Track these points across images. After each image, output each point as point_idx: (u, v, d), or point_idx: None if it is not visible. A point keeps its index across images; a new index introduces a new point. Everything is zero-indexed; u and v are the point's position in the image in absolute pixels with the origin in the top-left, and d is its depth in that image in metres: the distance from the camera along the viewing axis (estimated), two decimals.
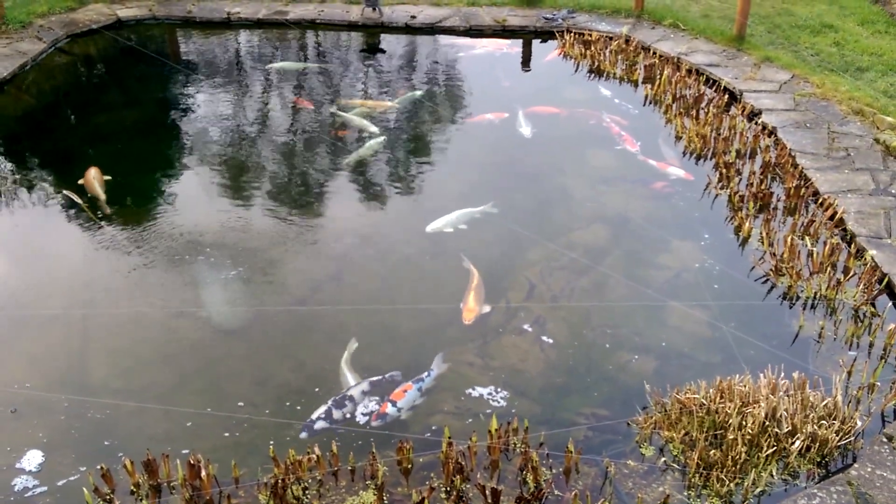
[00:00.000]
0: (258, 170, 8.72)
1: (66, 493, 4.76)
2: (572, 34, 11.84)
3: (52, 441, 5.15)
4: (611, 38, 11.64)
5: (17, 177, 8.21)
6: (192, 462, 4.75)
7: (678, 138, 9.19)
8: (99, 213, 7.58)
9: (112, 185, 8.01)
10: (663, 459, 5.04)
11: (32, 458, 5.01)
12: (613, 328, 6.31)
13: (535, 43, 12.15)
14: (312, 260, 7.18)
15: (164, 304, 6.52)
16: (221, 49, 12.10)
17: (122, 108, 10.21)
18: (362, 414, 5.41)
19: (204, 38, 12.41)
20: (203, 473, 4.74)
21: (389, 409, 5.42)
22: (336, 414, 5.37)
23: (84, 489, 4.64)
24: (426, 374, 5.72)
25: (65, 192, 7.62)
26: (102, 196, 7.86)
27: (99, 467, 4.77)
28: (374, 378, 5.71)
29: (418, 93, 10.51)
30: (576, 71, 11.15)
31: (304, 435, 5.19)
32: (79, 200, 7.55)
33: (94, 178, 7.92)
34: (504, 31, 12.26)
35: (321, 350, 6.13)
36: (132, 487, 4.78)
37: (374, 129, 9.28)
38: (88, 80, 11.01)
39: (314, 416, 5.33)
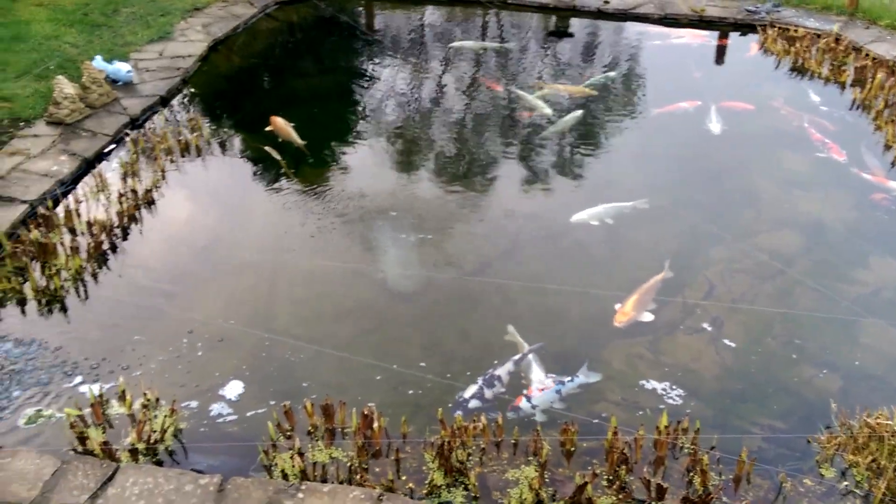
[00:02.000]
0: (440, 144, 8.90)
1: (252, 423, 5.11)
2: (776, 29, 11.21)
3: (248, 374, 5.53)
4: (818, 36, 10.92)
5: (222, 131, 8.82)
6: (365, 413, 4.97)
7: (888, 147, 8.50)
8: (293, 169, 8.01)
9: (307, 147, 8.44)
10: (845, 483, 4.73)
11: (233, 388, 5.41)
12: (799, 339, 5.97)
13: (734, 36, 11.59)
14: (484, 235, 7.26)
15: (344, 260, 6.82)
16: (411, 24, 12.42)
17: (316, 75, 10.71)
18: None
19: (400, 11, 12.78)
20: (375, 425, 4.94)
21: (523, 403, 5.33)
22: (487, 393, 5.39)
23: (269, 423, 4.96)
24: (570, 378, 5.52)
25: (266, 148, 8.11)
26: (299, 140, 8.36)
27: (282, 405, 5.09)
28: (517, 356, 5.69)
29: (612, 73, 10.36)
30: (776, 67, 10.55)
31: (458, 413, 5.16)
32: (278, 157, 8.02)
33: (285, 125, 8.45)
34: (701, 22, 11.79)
35: (488, 324, 6.20)
36: (310, 428, 5.06)
37: (547, 110, 9.23)
38: (290, 46, 11.63)
39: (467, 396, 5.36)
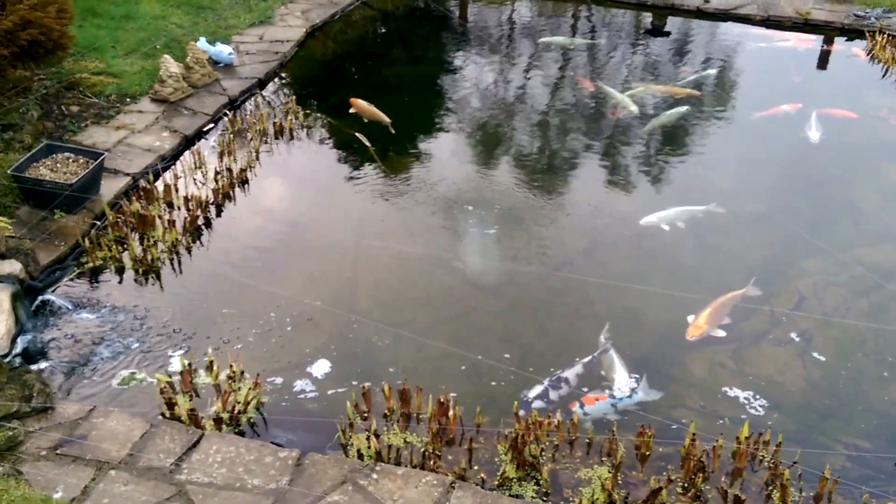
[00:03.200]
0: (526, 138, 8.89)
1: (331, 402, 5.24)
2: (885, 35, 10.72)
3: (330, 353, 5.65)
4: None
5: (314, 116, 9.01)
6: (441, 400, 5.02)
7: None
8: (381, 158, 8.12)
9: (394, 134, 8.54)
10: None
11: (317, 366, 5.55)
12: (893, 357, 5.73)
13: (841, 41, 11.15)
14: (566, 231, 7.21)
15: (427, 247, 6.88)
16: (503, 17, 12.40)
17: (409, 64, 10.81)
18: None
19: (491, 4, 12.78)
20: (450, 412, 4.99)
21: (577, 409, 5.23)
22: (552, 395, 5.34)
23: (347, 403, 5.07)
24: (629, 393, 5.37)
25: (356, 133, 8.25)
26: (385, 118, 8.58)
27: (361, 386, 5.19)
28: (586, 359, 5.61)
29: (711, 71, 10.15)
30: (883, 76, 10.11)
31: (522, 412, 5.11)
32: (367, 143, 8.14)
33: (367, 106, 8.71)
34: (806, 25, 11.38)
35: (567, 320, 6.18)
36: (386, 411, 5.15)
37: (634, 108, 9.10)
38: (383, 34, 11.77)
39: (531, 395, 5.32)
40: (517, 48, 11.24)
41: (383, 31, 11.88)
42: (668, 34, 11.78)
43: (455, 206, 7.47)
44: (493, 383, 5.46)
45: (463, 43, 11.37)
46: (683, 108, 9.15)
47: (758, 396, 5.38)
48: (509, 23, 12.23)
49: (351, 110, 8.78)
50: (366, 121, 8.67)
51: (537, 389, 5.38)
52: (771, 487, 4.66)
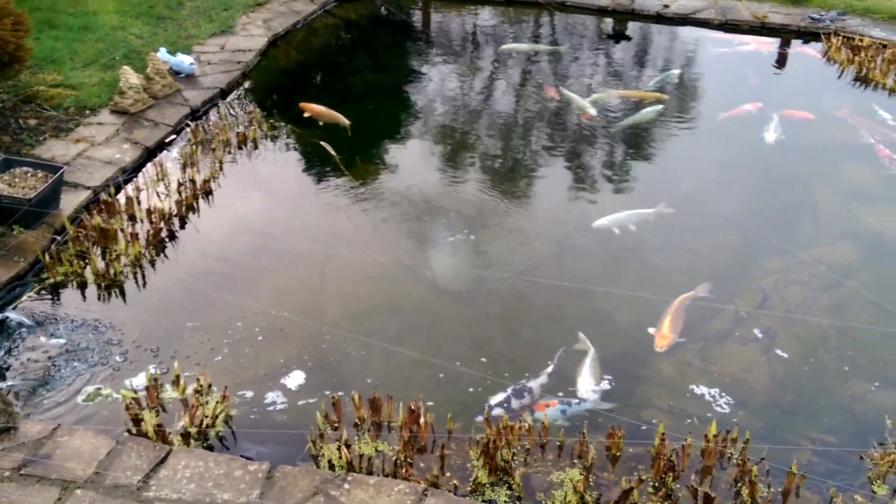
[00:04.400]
0: (490, 144, 8.92)
1: (301, 413, 5.19)
2: (840, 37, 10.96)
3: (299, 365, 5.61)
4: (884, 46, 10.66)
5: (278, 125, 8.96)
6: (412, 407, 5.01)
7: None
8: (347, 166, 8.09)
9: (359, 142, 8.53)
10: None
11: (288, 377, 5.50)
12: (853, 353, 5.85)
13: (797, 43, 11.37)
14: (534, 236, 7.24)
15: (394, 256, 6.87)
16: (466, 24, 12.45)
17: (372, 72, 10.81)
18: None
19: (454, 11, 12.82)
20: (421, 420, 4.98)
21: (526, 414, 5.22)
22: (514, 403, 5.31)
23: (317, 413, 5.03)
24: (578, 401, 5.37)
25: (321, 143, 8.22)
26: (343, 119, 8.66)
27: (331, 396, 5.16)
28: (550, 369, 5.60)
29: (675, 71, 10.32)
30: (839, 77, 10.33)
31: (479, 418, 5.12)
32: (333, 152, 8.11)
33: (320, 108, 8.81)
34: (763, 28, 11.59)
35: (537, 325, 6.21)
36: (356, 420, 5.13)
37: (593, 111, 9.20)
38: (347, 43, 11.75)
39: (493, 402, 5.30)
40: (480, 55, 11.29)
41: (347, 39, 11.85)
42: (629, 39, 11.92)
43: (423, 213, 7.47)
44: (465, 390, 5.46)
45: (426, 51, 11.40)
46: (658, 107, 9.28)
47: (724, 394, 5.45)
48: (472, 30, 12.28)
49: (305, 115, 8.79)
50: (321, 123, 8.68)
51: (499, 397, 5.37)
52: (740, 484, 4.72)
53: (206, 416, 5.01)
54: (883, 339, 5.97)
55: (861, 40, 10.84)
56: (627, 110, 9.45)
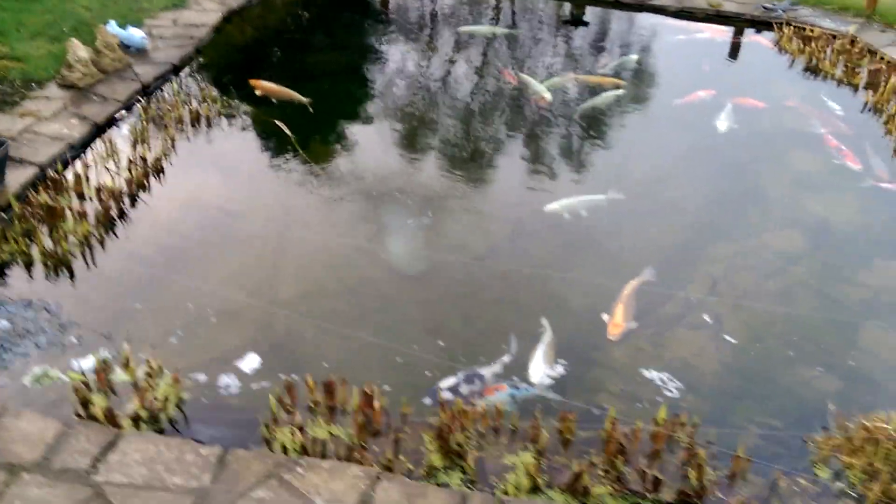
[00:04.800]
0: (448, 126, 8.90)
1: (254, 396, 5.15)
2: (791, 27, 11.17)
3: (253, 347, 5.55)
4: (834, 37, 10.88)
5: (233, 103, 8.80)
6: (366, 391, 5.01)
7: None
8: (303, 146, 7.99)
9: (312, 122, 8.43)
10: (839, 485, 4.78)
11: (238, 360, 5.44)
12: (799, 339, 6.00)
13: (750, 32, 11.54)
14: (490, 220, 7.27)
15: (350, 238, 6.83)
16: (425, 4, 12.36)
17: (329, 50, 10.68)
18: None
19: None
20: (375, 404, 4.98)
21: (480, 402, 5.25)
22: (463, 389, 5.32)
23: (270, 397, 5.00)
24: (525, 388, 5.39)
25: (276, 122, 8.10)
26: (300, 97, 8.61)
27: (285, 380, 5.13)
28: (507, 359, 5.61)
29: (633, 59, 10.43)
30: (790, 66, 10.52)
31: (427, 400, 5.16)
32: (288, 132, 8.00)
33: (272, 86, 8.73)
34: (717, 17, 11.73)
35: (492, 309, 6.23)
36: (311, 404, 5.10)
37: (547, 95, 9.24)
38: (304, 20, 11.57)
39: (442, 386, 5.32)
40: (439, 37, 11.23)
41: (304, 17, 11.67)
42: (586, 24, 11.97)
43: (379, 195, 7.43)
44: (421, 374, 5.47)
45: (385, 31, 11.29)
46: (619, 91, 9.37)
47: (674, 379, 5.56)
48: (431, 11, 12.19)
49: (257, 92, 8.66)
50: (275, 101, 8.54)
51: (450, 380, 5.38)
52: (688, 467, 4.82)
53: (158, 400, 4.94)
54: (827, 326, 6.14)
55: (812, 31, 11.05)
56: (585, 95, 9.50)
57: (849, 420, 5.14)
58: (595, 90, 9.55)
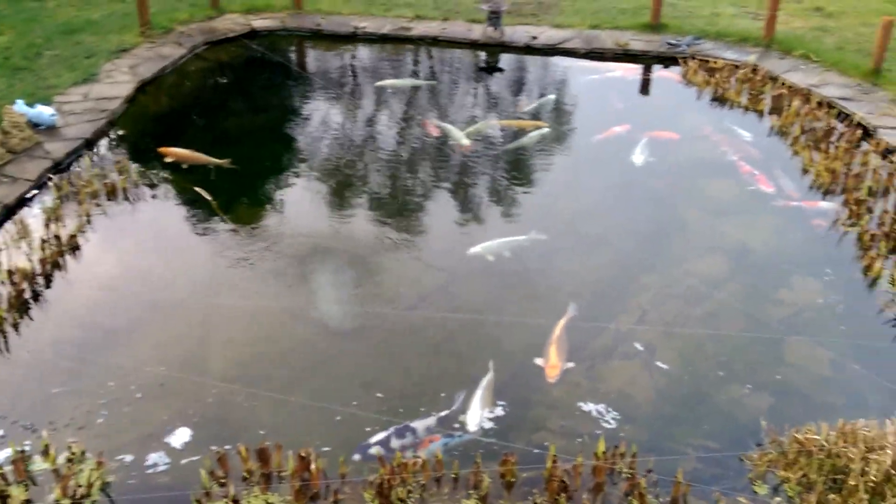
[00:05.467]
0: (371, 181, 8.93)
1: (186, 471, 4.97)
2: (696, 61, 11.62)
3: (181, 422, 5.38)
4: (737, 67, 11.35)
5: (150, 173, 8.66)
6: (302, 454, 4.89)
7: (805, 171, 8.85)
8: (226, 211, 7.89)
9: (236, 186, 8.36)
10: (777, 499, 4.84)
11: (166, 436, 5.25)
12: (728, 360, 6.12)
13: (658, 68, 11.96)
14: (421, 269, 7.27)
15: (279, 300, 6.73)
16: (344, 62, 12.48)
17: (248, 114, 10.66)
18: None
19: (329, 50, 12.83)
20: (312, 466, 4.86)
21: (408, 455, 5.16)
22: (394, 443, 5.22)
23: (201, 471, 4.83)
24: (459, 434, 5.36)
25: (196, 188, 8.00)
26: (214, 159, 8.58)
27: (216, 451, 4.96)
28: (443, 413, 5.51)
29: (551, 97, 10.76)
30: (698, 98, 10.92)
31: (356, 456, 5.09)
32: (208, 197, 7.89)
33: (182, 151, 8.72)
34: (626, 55, 12.14)
35: (428, 358, 6.20)
36: (245, 473, 4.95)
37: (466, 142, 9.40)
38: (220, 86, 11.54)
39: (371, 441, 5.24)
40: (359, 92, 11.31)
41: (221, 82, 11.64)
42: (502, 70, 12.23)
43: (307, 254, 7.36)
44: (361, 430, 5.36)
45: (305, 90, 11.31)
46: (544, 130, 9.65)
47: (611, 410, 5.59)
48: (349, 68, 12.30)
49: (167, 160, 8.60)
50: (184, 166, 8.56)
51: (380, 435, 5.28)
52: (630, 497, 4.82)
53: (81, 486, 4.72)
54: (752, 344, 6.27)
55: (715, 63, 11.51)
56: (509, 138, 9.65)
57: (781, 435, 5.23)
58: (518, 134, 9.72)
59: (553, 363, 5.98)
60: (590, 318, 6.51)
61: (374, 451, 5.13)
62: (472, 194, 8.64)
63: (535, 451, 5.21)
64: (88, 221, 7.61)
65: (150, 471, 4.98)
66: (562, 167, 9.24)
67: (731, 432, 5.45)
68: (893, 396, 5.68)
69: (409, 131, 10.10)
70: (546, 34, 12.66)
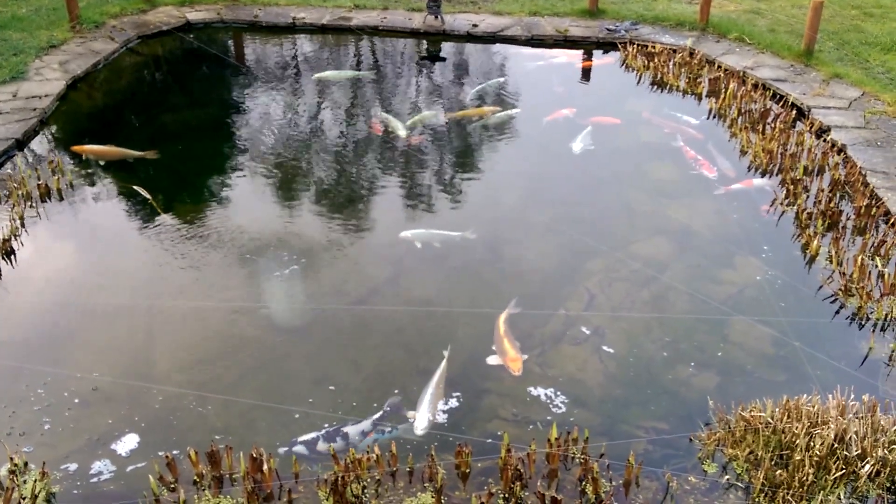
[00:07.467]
0: (314, 174, 8.83)
1: (134, 478, 4.85)
2: (635, 46, 11.75)
3: (125, 428, 5.25)
4: (674, 51, 11.53)
5: (86, 172, 8.42)
6: (254, 455, 4.81)
7: (743, 153, 9.04)
8: (166, 209, 7.71)
9: (176, 183, 8.17)
10: (727, 477, 4.94)
11: (111, 443, 5.13)
12: (674, 341, 6.22)
13: (598, 54, 12.07)
14: (369, 263, 7.21)
15: (225, 299, 6.61)
16: (284, 54, 12.29)
17: (186, 109, 10.44)
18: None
19: (268, 42, 12.62)
20: (265, 467, 4.79)
21: (375, 448, 5.11)
22: (321, 446, 5.14)
23: (150, 476, 4.72)
24: (391, 429, 5.34)
25: (134, 186, 7.79)
26: (131, 152, 8.52)
27: (164, 456, 4.86)
28: (377, 416, 5.43)
29: (494, 81, 10.93)
30: (638, 83, 11.05)
31: (282, 450, 5.08)
32: (147, 196, 7.71)
33: (97, 147, 8.60)
34: (566, 42, 12.22)
35: (379, 352, 6.16)
36: (195, 477, 4.85)
37: (402, 132, 9.40)
38: (156, 80, 11.26)
39: (298, 440, 5.18)
40: (299, 84, 11.15)
41: (156, 77, 11.36)
42: (444, 59, 12.19)
43: (252, 250, 7.24)
44: (311, 429, 5.30)
45: (244, 83, 11.10)
46: (512, 112, 9.96)
47: (561, 395, 5.64)
48: (289, 59, 12.12)
49: (85, 157, 8.49)
50: (102, 163, 8.47)
51: (308, 436, 5.20)
52: (584, 482, 4.87)
53: (25, 498, 4.57)
54: (697, 325, 6.40)
55: (654, 47, 11.66)
56: (453, 129, 9.63)
57: (728, 413, 5.34)
58: (480, 119, 9.75)
59: (513, 356, 5.96)
60: (538, 305, 6.55)
61: (297, 449, 5.07)
62: (418, 183, 8.61)
63: (489, 441, 5.23)
64: (22, 225, 7.35)
65: (95, 479, 4.85)
66: (506, 155, 9.26)
67: (681, 413, 5.54)
68: (834, 371, 5.85)
69: (350, 123, 10.00)
70: (487, 21, 12.66)
